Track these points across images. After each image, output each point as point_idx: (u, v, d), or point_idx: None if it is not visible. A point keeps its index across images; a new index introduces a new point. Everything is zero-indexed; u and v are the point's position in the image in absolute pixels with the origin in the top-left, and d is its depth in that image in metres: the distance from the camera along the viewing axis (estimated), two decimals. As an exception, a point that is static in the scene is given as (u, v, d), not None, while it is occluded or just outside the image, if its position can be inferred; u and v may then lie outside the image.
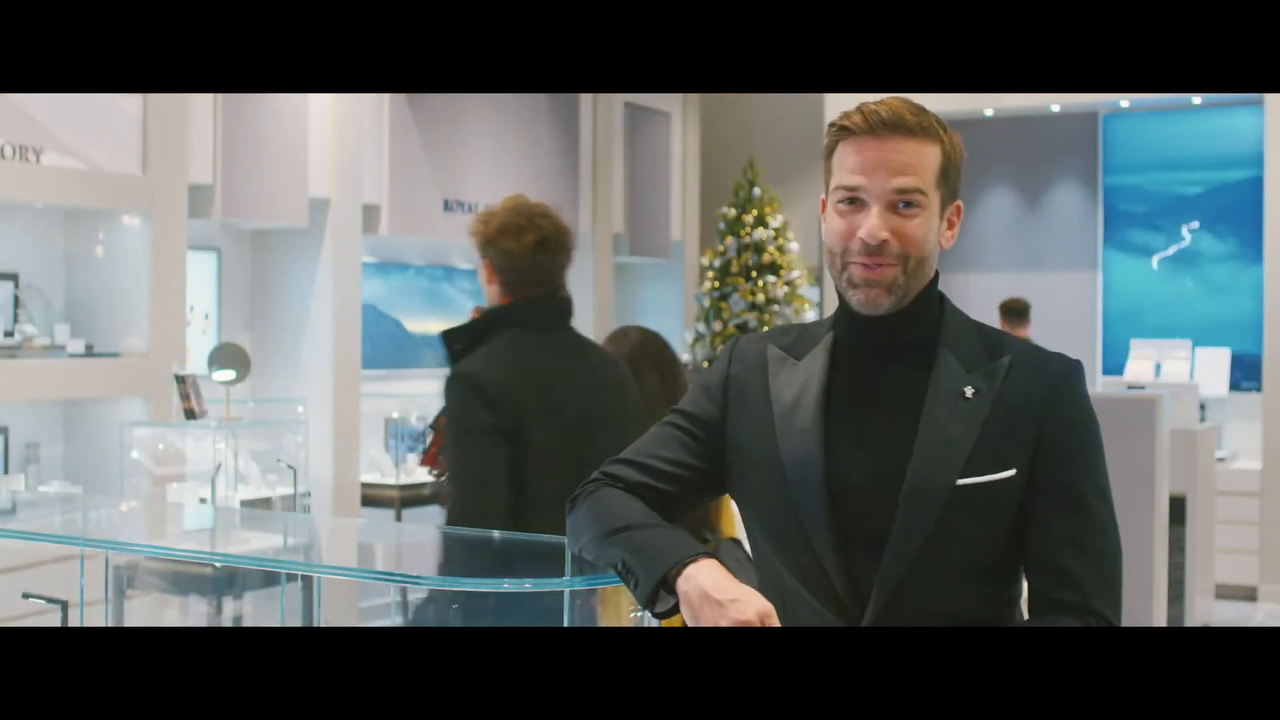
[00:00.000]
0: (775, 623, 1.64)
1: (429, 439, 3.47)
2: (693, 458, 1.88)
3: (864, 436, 1.78)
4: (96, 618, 2.97)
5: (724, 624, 1.63)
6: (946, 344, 1.80)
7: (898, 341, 1.81)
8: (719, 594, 1.65)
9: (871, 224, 1.74)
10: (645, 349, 3.48)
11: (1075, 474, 1.76)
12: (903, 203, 1.75)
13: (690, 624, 1.67)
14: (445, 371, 2.96)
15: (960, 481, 1.72)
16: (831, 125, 1.81)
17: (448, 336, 3.04)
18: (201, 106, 6.41)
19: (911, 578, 1.72)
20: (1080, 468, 1.77)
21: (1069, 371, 1.81)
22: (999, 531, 1.75)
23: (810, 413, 1.80)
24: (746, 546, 2.66)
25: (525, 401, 2.86)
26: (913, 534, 1.72)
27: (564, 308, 3.04)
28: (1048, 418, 1.76)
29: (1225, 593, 7.66)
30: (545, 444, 2.86)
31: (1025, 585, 1.83)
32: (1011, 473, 1.74)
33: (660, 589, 1.71)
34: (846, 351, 1.83)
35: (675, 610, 1.70)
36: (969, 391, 1.77)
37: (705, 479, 1.90)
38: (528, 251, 3.00)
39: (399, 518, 7.13)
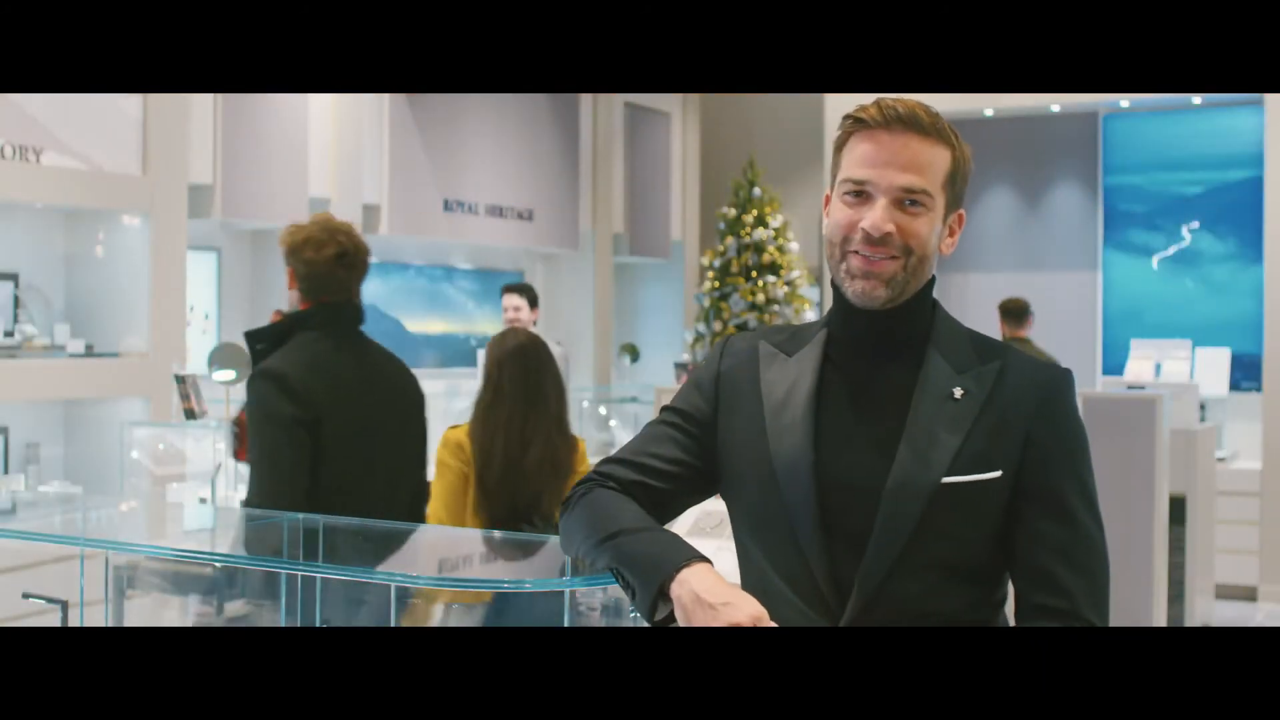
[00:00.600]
0: (768, 624, 1.64)
1: (238, 434, 3.98)
2: (686, 455, 1.88)
3: (853, 434, 1.78)
4: (96, 618, 2.97)
5: (717, 627, 1.63)
6: (936, 345, 1.81)
7: (890, 340, 1.81)
8: (711, 597, 1.65)
9: (876, 216, 1.75)
10: (519, 349, 3.76)
11: (1063, 480, 1.76)
12: (908, 200, 1.76)
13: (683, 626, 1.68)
14: (258, 371, 3.28)
15: (945, 480, 1.72)
16: (846, 117, 1.81)
17: (250, 336, 3.33)
18: (201, 106, 6.41)
19: (893, 577, 1.72)
20: (1068, 474, 1.77)
21: (1060, 380, 1.81)
22: (983, 534, 1.75)
23: (800, 409, 1.80)
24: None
25: (321, 396, 3.17)
26: (895, 532, 1.72)
27: (357, 315, 3.36)
28: (1037, 424, 1.77)
29: (1225, 593, 7.66)
30: (337, 436, 3.19)
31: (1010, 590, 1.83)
32: (997, 474, 1.74)
33: (658, 599, 1.71)
34: (839, 348, 1.84)
35: (674, 617, 1.70)
36: (958, 393, 1.77)
37: (699, 476, 1.90)
38: (328, 263, 3.28)
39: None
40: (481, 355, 8.55)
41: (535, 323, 6.91)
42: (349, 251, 3.31)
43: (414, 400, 3.45)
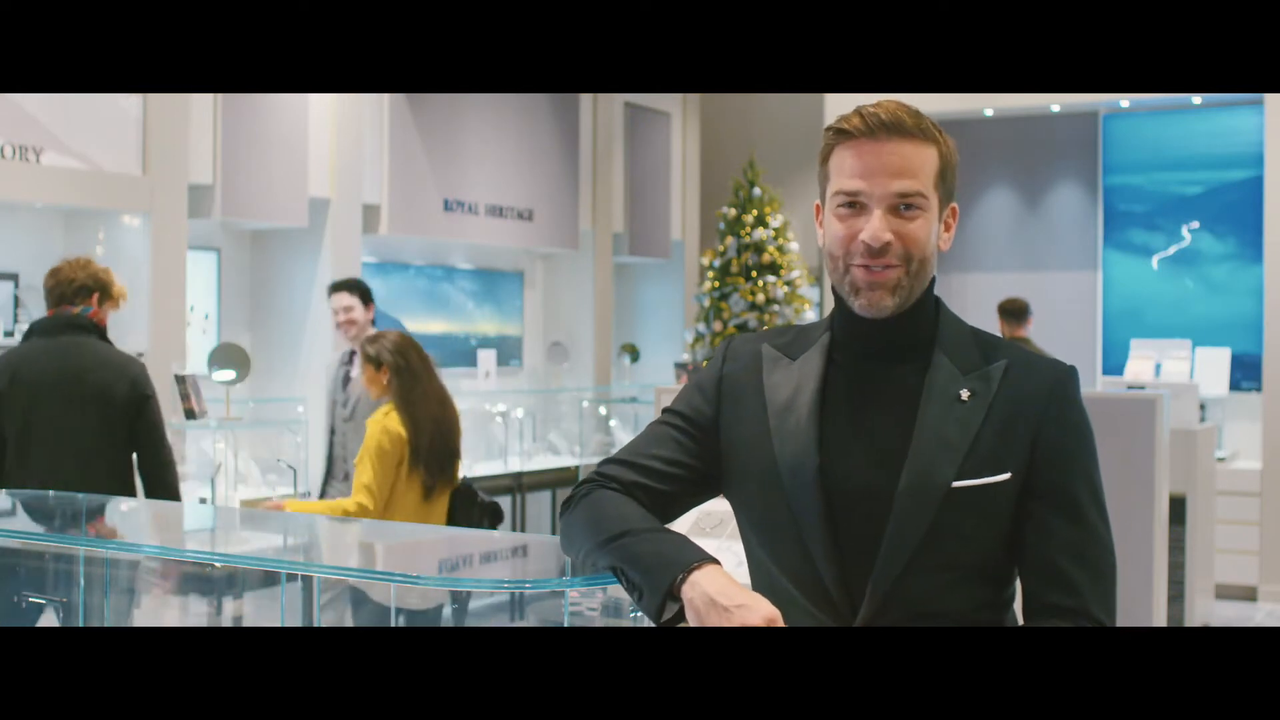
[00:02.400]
0: (782, 625, 1.64)
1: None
2: (688, 457, 1.88)
3: (859, 436, 1.78)
4: (96, 618, 2.97)
5: (730, 628, 1.63)
6: (942, 347, 1.81)
7: (895, 343, 1.81)
8: (725, 599, 1.65)
9: (874, 227, 1.74)
10: (402, 338, 4.65)
11: (1072, 479, 1.77)
12: (904, 205, 1.75)
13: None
14: None
15: (956, 483, 1.72)
16: (828, 129, 1.80)
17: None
18: (201, 106, 6.41)
19: (906, 579, 1.72)
20: (1076, 473, 1.77)
21: (1064, 377, 1.81)
22: (994, 534, 1.76)
23: (805, 412, 1.80)
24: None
25: (6, 384, 4.18)
26: (908, 534, 1.72)
27: (60, 322, 4.31)
28: (1044, 422, 1.77)
29: (1225, 593, 7.66)
30: (18, 415, 4.18)
31: (1019, 588, 1.83)
32: (1007, 476, 1.74)
33: (666, 599, 1.71)
34: (843, 352, 1.84)
35: (681, 617, 1.69)
36: (964, 394, 1.77)
37: (700, 478, 1.89)
38: (44, 287, 4.39)
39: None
40: (483, 356, 8.48)
41: (373, 321, 5.97)
42: (50, 274, 4.37)
43: (106, 394, 4.23)
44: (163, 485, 4.33)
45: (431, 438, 4.54)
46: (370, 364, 4.61)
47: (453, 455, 4.64)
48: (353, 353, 5.76)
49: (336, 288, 5.94)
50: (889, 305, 1.77)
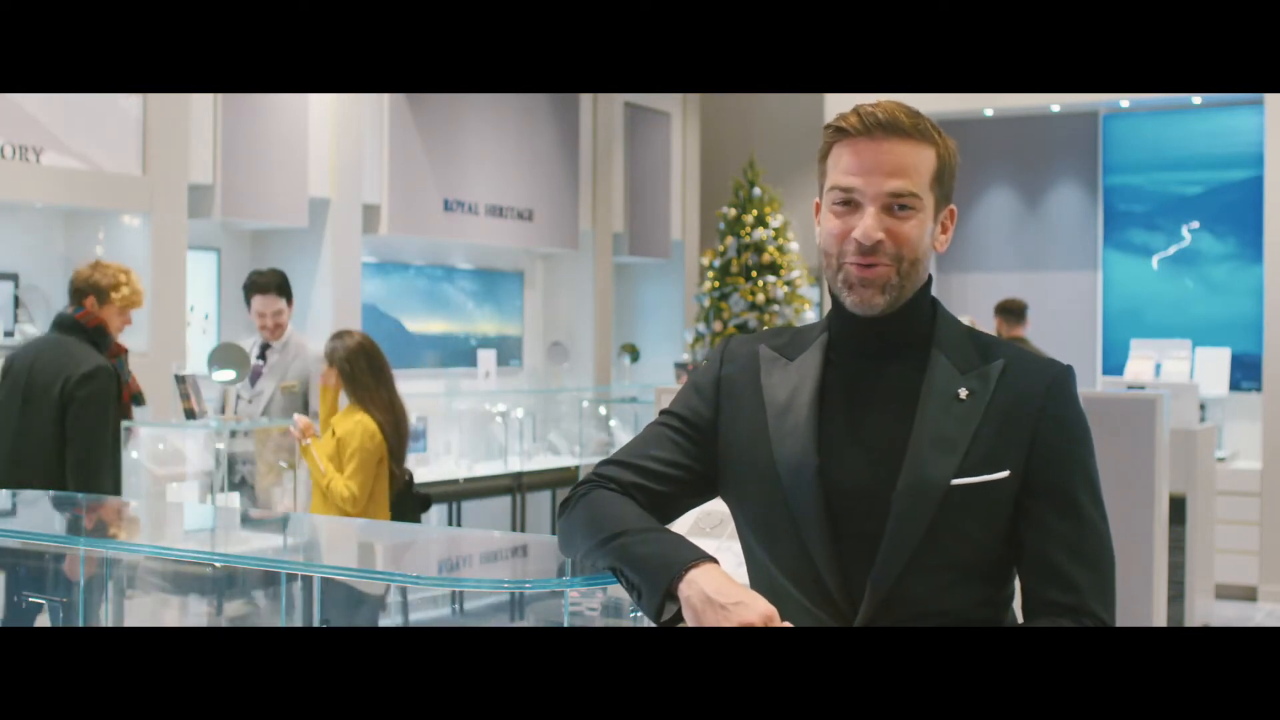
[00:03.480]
0: (779, 624, 1.64)
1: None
2: (686, 458, 1.89)
3: (858, 436, 1.79)
4: (96, 618, 2.97)
5: (728, 627, 1.63)
6: (939, 346, 1.81)
7: (891, 342, 1.82)
8: (722, 597, 1.65)
9: (866, 224, 1.75)
10: (365, 339, 4.87)
11: (1069, 476, 1.77)
12: (897, 205, 1.76)
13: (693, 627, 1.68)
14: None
15: (955, 482, 1.73)
16: (827, 127, 1.82)
17: None
18: (201, 106, 6.41)
19: (906, 578, 1.72)
20: (1074, 470, 1.78)
21: (1061, 376, 1.82)
22: (993, 532, 1.76)
23: (803, 412, 1.80)
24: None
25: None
26: (907, 533, 1.72)
27: (54, 321, 4.72)
28: (1042, 420, 1.77)
29: (1225, 593, 7.66)
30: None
31: (1018, 586, 1.83)
32: (1005, 474, 1.75)
33: (665, 599, 1.71)
34: (840, 352, 1.84)
35: (681, 617, 1.70)
36: (963, 393, 1.78)
37: (699, 479, 1.90)
38: None
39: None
40: (483, 356, 8.46)
41: (289, 319, 5.77)
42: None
43: (41, 392, 4.49)
44: (81, 483, 4.40)
45: (400, 435, 4.87)
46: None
47: (405, 449, 4.98)
48: (265, 346, 5.76)
49: (263, 289, 5.65)
50: (879, 303, 1.78)
